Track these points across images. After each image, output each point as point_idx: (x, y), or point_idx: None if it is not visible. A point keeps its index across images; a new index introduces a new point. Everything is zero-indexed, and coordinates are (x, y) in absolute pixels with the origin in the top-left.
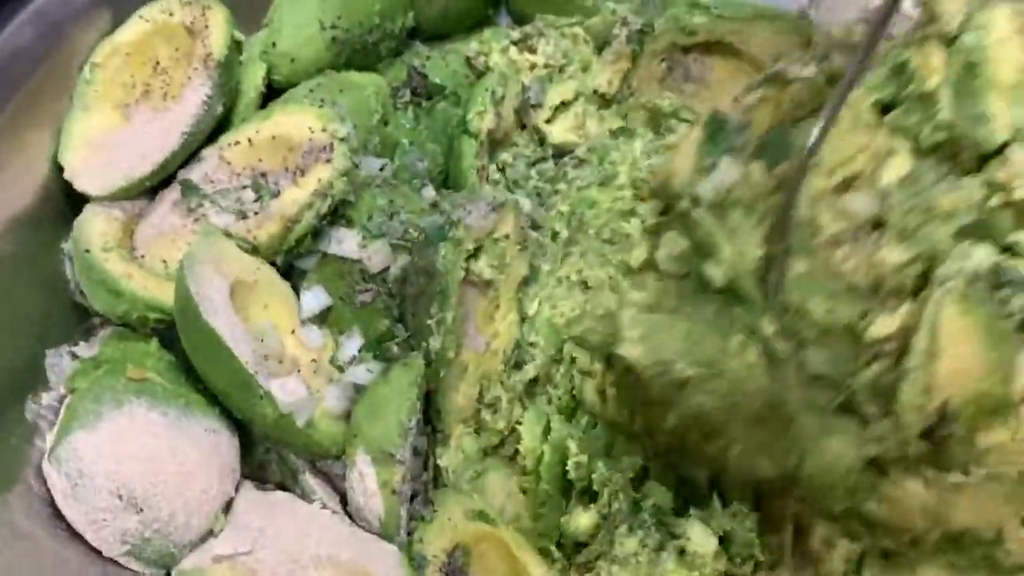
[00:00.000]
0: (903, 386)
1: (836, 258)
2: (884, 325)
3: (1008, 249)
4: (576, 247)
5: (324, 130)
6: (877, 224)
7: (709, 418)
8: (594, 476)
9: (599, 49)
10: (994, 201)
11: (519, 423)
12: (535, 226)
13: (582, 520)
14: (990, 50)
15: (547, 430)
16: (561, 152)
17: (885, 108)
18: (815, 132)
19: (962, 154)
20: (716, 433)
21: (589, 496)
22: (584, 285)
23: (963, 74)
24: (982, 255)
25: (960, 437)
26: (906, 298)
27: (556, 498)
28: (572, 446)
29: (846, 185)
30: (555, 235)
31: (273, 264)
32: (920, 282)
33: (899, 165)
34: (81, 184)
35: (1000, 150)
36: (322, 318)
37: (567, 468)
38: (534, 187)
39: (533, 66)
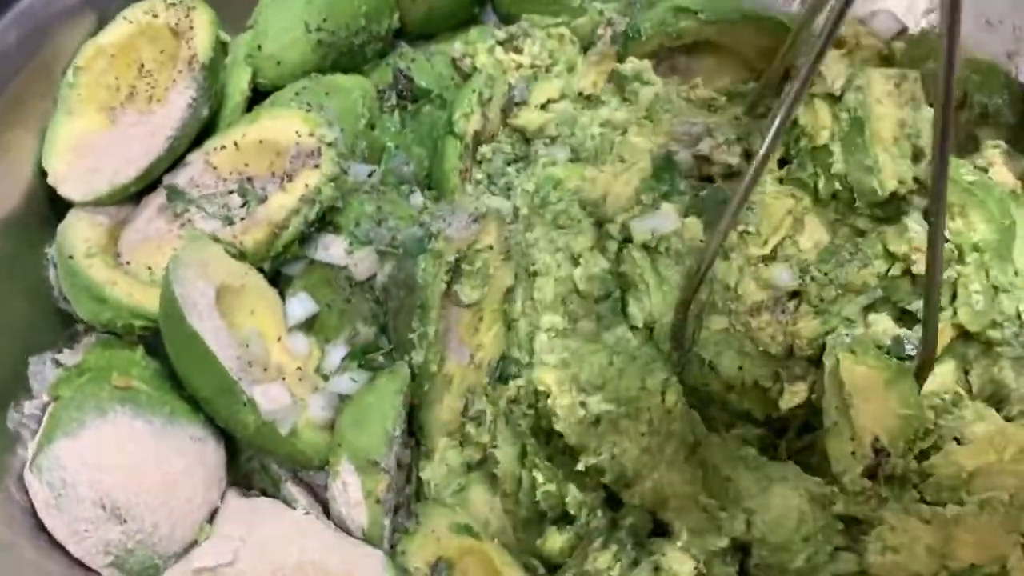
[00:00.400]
0: (830, 441)
1: (753, 325)
2: (792, 396)
3: (906, 313)
4: (530, 234)
5: (312, 134)
6: (794, 294)
7: (622, 464)
8: (567, 500)
9: (585, 49)
10: (895, 271)
11: (495, 446)
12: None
13: (556, 542)
14: (872, 108)
15: (523, 453)
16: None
17: (782, 163)
18: (738, 194)
19: (858, 202)
20: (635, 478)
21: (565, 519)
22: (534, 275)
23: (850, 129)
24: (885, 325)
25: (909, 467)
26: (811, 367)
27: (535, 521)
28: (539, 476)
29: (773, 254)
30: (516, 213)
31: (260, 270)
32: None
33: (811, 229)
34: (65, 190)
35: (891, 200)
36: (308, 325)
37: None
38: (506, 184)
39: (519, 66)
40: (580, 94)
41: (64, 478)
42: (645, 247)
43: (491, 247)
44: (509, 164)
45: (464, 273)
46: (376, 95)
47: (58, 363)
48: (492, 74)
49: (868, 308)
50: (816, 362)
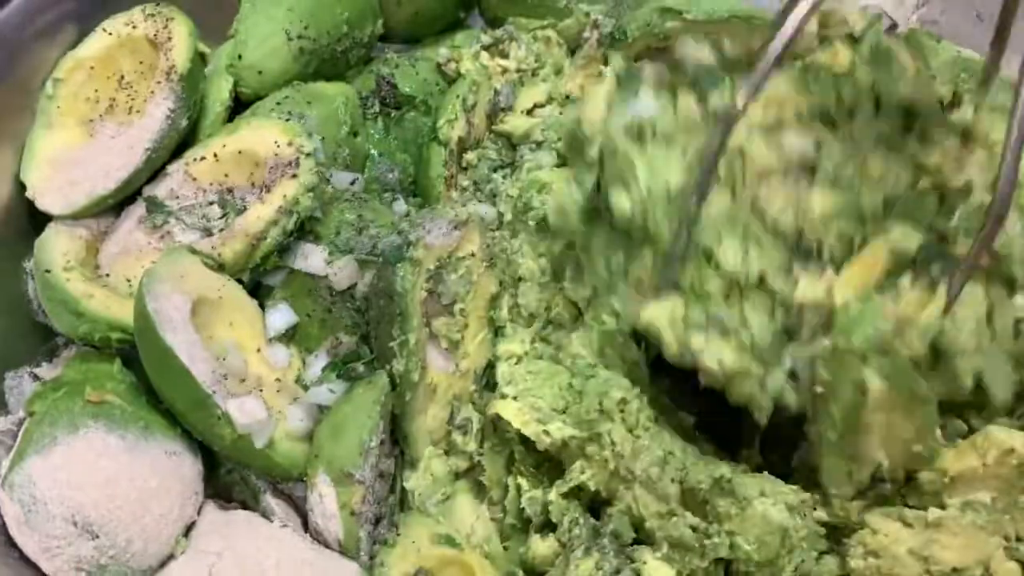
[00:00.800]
0: (825, 455)
1: (762, 195)
2: (811, 287)
3: (932, 231)
4: (515, 240)
5: (290, 144)
6: (808, 170)
7: (593, 488)
8: (551, 508)
9: (572, 52)
10: (923, 184)
11: (482, 454)
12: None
13: (539, 549)
14: (893, 48)
15: (511, 461)
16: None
17: None
18: (754, 77)
19: (882, 108)
20: (609, 499)
21: (549, 527)
22: (518, 281)
23: (875, 56)
24: (908, 230)
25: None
26: (827, 265)
27: (521, 529)
28: (523, 483)
29: (779, 124)
30: (501, 220)
31: (240, 281)
32: (845, 251)
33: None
34: (44, 203)
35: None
36: (289, 336)
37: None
38: (492, 190)
39: (504, 71)
40: (567, 97)
41: (35, 495)
42: (627, 134)
43: (473, 254)
44: (495, 170)
45: (446, 281)
46: (359, 102)
47: (36, 377)
48: (477, 79)
49: (888, 205)
50: (831, 260)
